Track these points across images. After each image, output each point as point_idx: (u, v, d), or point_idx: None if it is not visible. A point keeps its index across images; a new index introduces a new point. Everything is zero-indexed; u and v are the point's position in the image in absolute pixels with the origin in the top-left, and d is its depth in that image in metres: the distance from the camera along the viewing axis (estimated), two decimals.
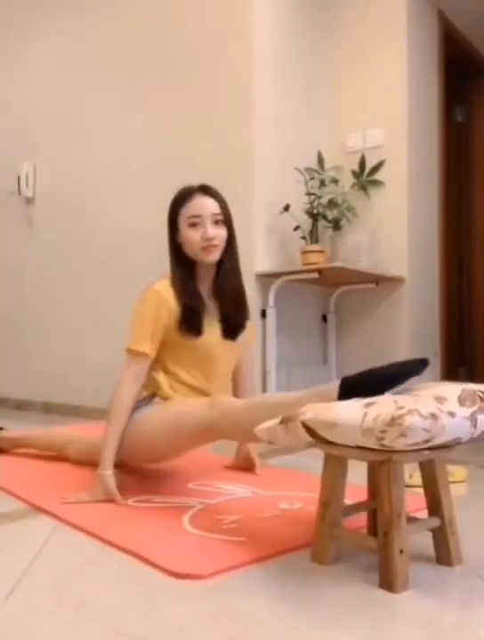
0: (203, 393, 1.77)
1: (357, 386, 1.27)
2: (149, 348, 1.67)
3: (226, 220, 1.74)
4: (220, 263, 1.77)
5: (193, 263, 1.75)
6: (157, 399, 1.74)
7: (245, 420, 1.47)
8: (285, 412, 1.19)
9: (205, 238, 1.68)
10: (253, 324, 1.90)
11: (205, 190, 1.74)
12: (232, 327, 1.78)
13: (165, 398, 1.73)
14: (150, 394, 1.75)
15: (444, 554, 1.19)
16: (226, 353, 1.80)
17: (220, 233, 1.72)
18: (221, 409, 1.54)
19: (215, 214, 1.71)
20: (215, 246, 1.70)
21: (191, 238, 1.70)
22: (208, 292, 1.79)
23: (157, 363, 1.75)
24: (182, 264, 1.76)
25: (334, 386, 1.32)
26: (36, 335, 3.78)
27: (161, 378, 1.74)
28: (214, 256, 1.72)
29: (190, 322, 1.70)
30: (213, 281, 1.79)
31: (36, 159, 3.82)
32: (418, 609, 1.00)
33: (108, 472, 1.61)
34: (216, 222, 1.71)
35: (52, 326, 3.68)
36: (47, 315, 3.71)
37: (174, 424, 1.62)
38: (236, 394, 1.92)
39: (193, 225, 1.70)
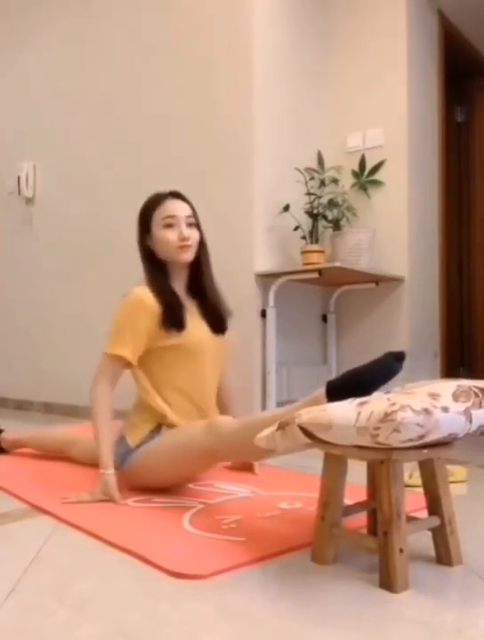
0: (195, 401, 1.76)
1: (342, 387, 1.29)
2: (125, 351, 1.67)
3: (197, 224, 1.81)
4: (194, 265, 1.82)
5: (166, 266, 1.80)
6: (163, 429, 1.71)
7: (242, 441, 1.46)
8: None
9: (181, 238, 1.73)
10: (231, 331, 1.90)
11: (177, 195, 1.81)
12: (218, 321, 1.82)
13: (170, 425, 1.71)
14: (156, 426, 1.72)
15: (444, 554, 1.19)
16: (214, 350, 1.80)
17: (193, 234, 1.77)
18: (219, 434, 1.52)
19: (188, 217, 1.77)
20: (190, 246, 1.75)
21: (168, 238, 1.74)
22: (184, 292, 1.82)
23: (150, 381, 1.75)
24: (155, 267, 1.79)
25: (322, 391, 1.33)
26: (37, 335, 3.78)
27: (160, 402, 1.72)
28: (189, 255, 1.76)
29: (172, 316, 1.70)
30: (187, 283, 1.83)
31: (36, 159, 3.83)
32: (418, 609, 1.00)
33: (109, 471, 1.61)
34: (189, 225, 1.77)
35: (52, 326, 3.68)
36: (47, 314, 3.71)
37: (177, 454, 1.62)
38: (224, 410, 1.92)
39: (168, 225, 1.75)
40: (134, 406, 1.79)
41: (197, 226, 1.80)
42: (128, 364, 1.71)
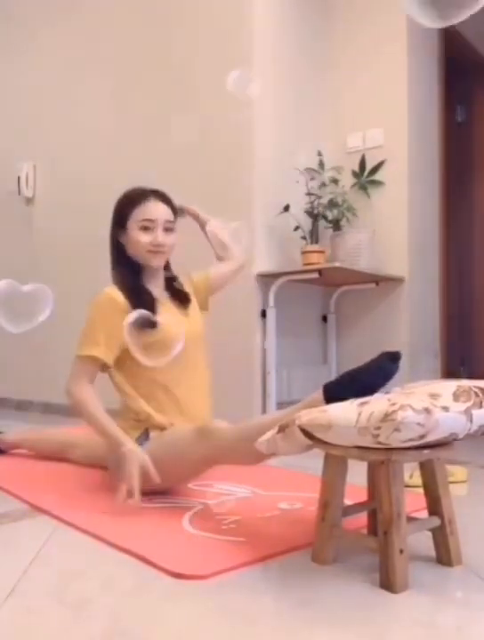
0: (178, 396, 1.71)
1: (339, 389, 1.29)
2: (98, 351, 1.62)
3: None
4: (167, 267, 1.81)
5: (137, 263, 1.75)
6: (151, 434, 1.67)
7: (240, 448, 1.45)
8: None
9: (154, 244, 1.69)
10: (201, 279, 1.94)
11: (160, 196, 1.74)
12: (181, 296, 1.81)
13: (156, 426, 1.67)
14: (143, 431, 1.67)
15: (444, 554, 1.19)
16: (192, 340, 1.73)
17: (169, 240, 1.72)
18: (213, 442, 1.49)
19: (168, 221, 1.72)
20: (162, 253, 1.72)
21: (140, 241, 1.69)
22: (161, 288, 1.79)
23: (131, 381, 1.70)
24: (125, 263, 1.75)
25: (319, 393, 1.33)
26: (36, 335, 3.77)
27: (143, 405, 1.67)
28: (159, 261, 1.73)
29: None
30: (163, 280, 1.81)
31: (36, 159, 3.82)
32: (418, 609, 1.00)
33: (129, 445, 1.53)
34: (167, 229, 1.72)
35: (51, 326, 3.66)
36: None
37: (169, 462, 1.57)
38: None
39: (145, 228, 1.69)
40: (119, 414, 1.73)
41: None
42: (103, 366, 1.65)
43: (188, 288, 1.88)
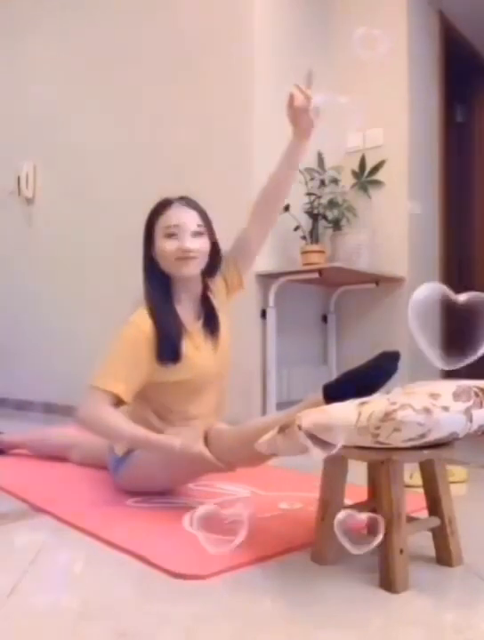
0: (202, 421, 1.64)
1: (339, 389, 1.29)
2: (119, 388, 1.49)
3: (209, 232, 1.63)
4: (206, 275, 1.66)
5: (169, 280, 1.62)
6: None
7: (240, 450, 1.43)
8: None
9: (182, 250, 1.54)
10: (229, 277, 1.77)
11: (186, 201, 1.62)
12: (211, 325, 1.65)
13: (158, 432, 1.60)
14: None
15: (444, 554, 1.19)
16: (218, 372, 1.66)
17: (200, 245, 1.58)
18: (213, 445, 1.46)
19: (198, 225, 1.59)
20: (192, 259, 1.56)
21: (166, 249, 1.56)
22: (195, 310, 1.65)
23: (148, 403, 1.63)
24: (157, 282, 1.61)
25: (319, 394, 1.33)
26: (36, 335, 3.78)
27: (153, 419, 1.62)
28: (190, 269, 1.57)
29: (165, 348, 1.53)
30: (201, 297, 1.66)
31: (36, 159, 3.82)
32: (418, 609, 1.00)
33: (179, 441, 1.44)
34: (196, 234, 1.58)
35: (52, 326, 3.67)
36: (47, 314, 3.71)
37: (169, 463, 1.54)
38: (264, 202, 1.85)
39: (170, 235, 1.56)
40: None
41: (210, 234, 1.62)
42: (119, 402, 1.52)
43: (218, 291, 1.73)
